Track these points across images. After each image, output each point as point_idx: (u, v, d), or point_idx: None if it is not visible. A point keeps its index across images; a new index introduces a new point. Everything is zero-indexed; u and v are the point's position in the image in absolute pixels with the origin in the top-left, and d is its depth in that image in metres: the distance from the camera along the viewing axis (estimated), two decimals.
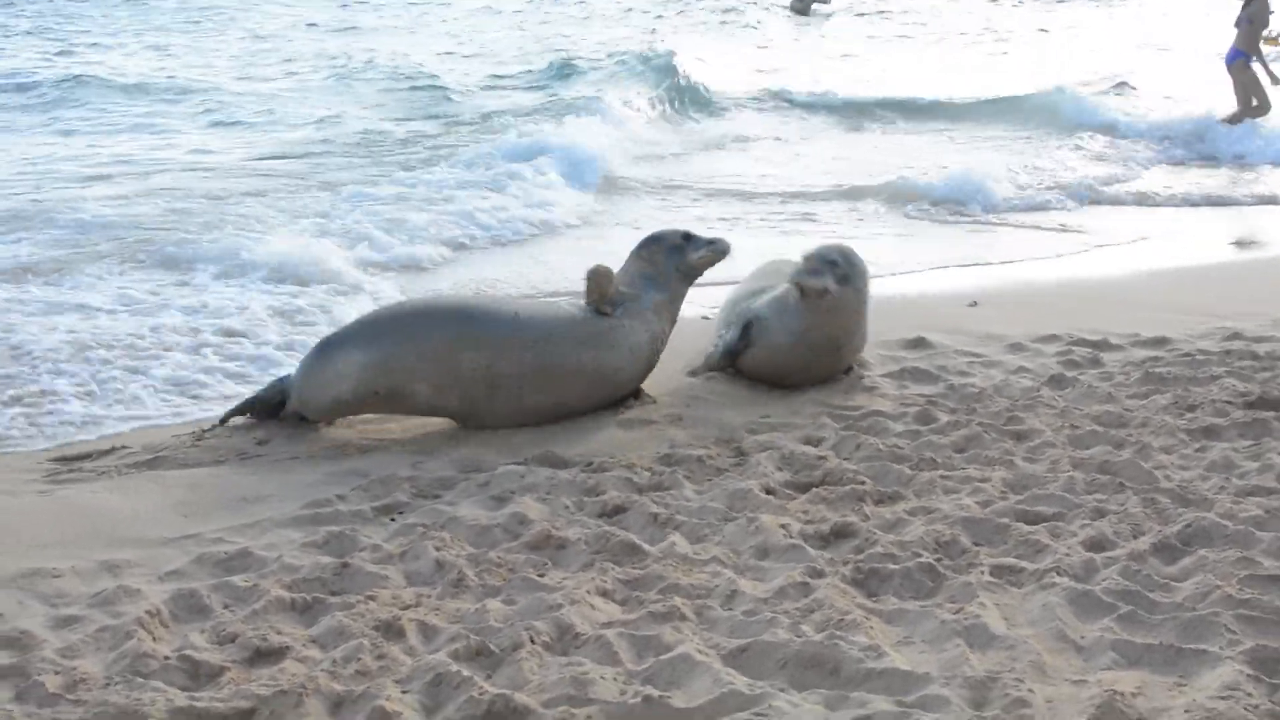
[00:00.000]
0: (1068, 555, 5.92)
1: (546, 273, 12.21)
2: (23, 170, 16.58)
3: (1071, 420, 8.01)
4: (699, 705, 4.62)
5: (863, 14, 41.75)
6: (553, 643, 5.17)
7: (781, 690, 4.73)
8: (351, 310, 10.30)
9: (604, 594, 5.64)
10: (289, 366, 8.61)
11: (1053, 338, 9.85)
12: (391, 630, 5.30)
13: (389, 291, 11.39)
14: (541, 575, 5.85)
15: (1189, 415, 8.06)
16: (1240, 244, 14.57)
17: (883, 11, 42.30)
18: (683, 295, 8.80)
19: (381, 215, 14.05)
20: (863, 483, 6.97)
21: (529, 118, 21.01)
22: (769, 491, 6.91)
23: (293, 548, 6.24)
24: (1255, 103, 21.60)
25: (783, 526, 6.33)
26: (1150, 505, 6.57)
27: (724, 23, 39.07)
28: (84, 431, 8.21)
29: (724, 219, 14.98)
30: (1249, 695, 4.62)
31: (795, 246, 11.13)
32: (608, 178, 16.78)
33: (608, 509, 6.67)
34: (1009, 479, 7.03)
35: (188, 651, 5.11)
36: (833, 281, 8.37)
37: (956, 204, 15.66)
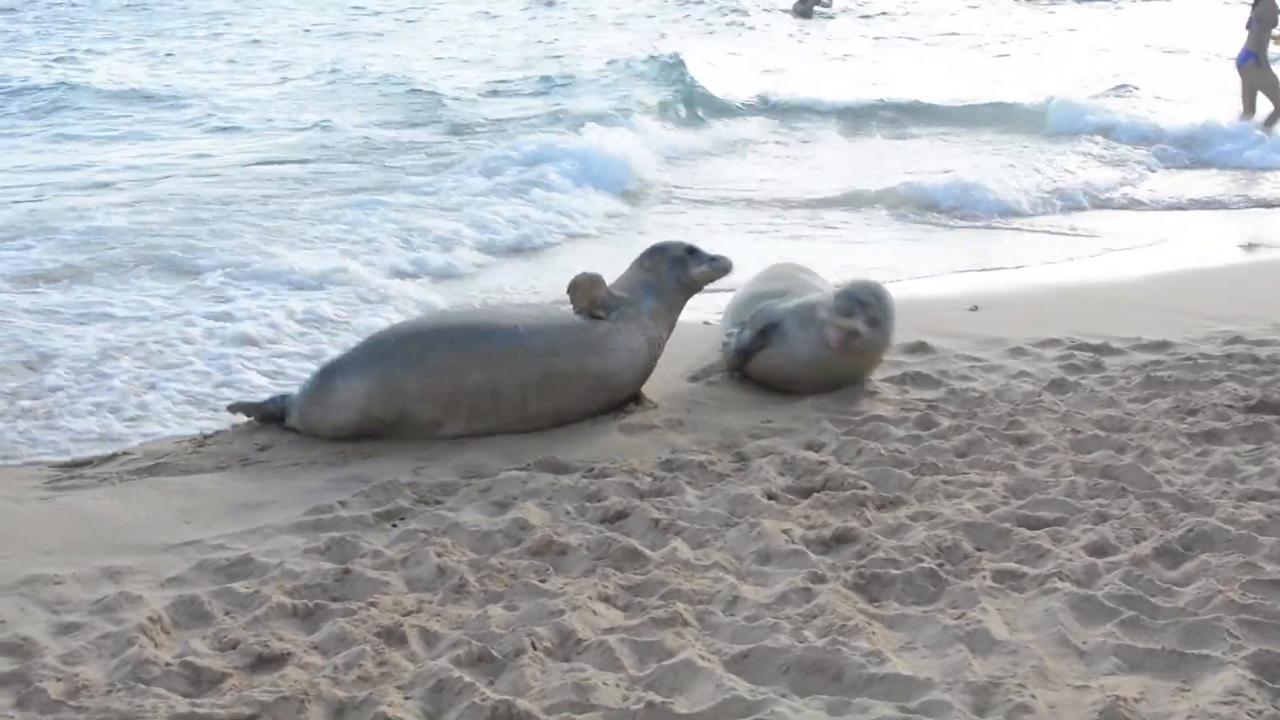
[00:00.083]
0: (1069, 560, 5.92)
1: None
2: (24, 178, 16.52)
3: (1073, 425, 8.01)
4: (701, 711, 4.62)
5: (865, 16, 41.72)
6: (554, 649, 5.17)
7: (783, 696, 4.73)
8: (377, 320, 10.25)
9: (606, 600, 5.64)
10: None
11: (1054, 342, 9.84)
12: (393, 636, 5.30)
13: (419, 299, 11.27)
14: (543, 581, 5.85)
15: (1190, 419, 8.06)
16: (1248, 247, 14.56)
17: (884, 13, 42.28)
18: (681, 307, 8.85)
19: (401, 222, 13.96)
20: (864, 488, 6.97)
21: (536, 124, 20.97)
22: (770, 497, 6.91)
23: (294, 554, 6.24)
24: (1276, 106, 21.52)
25: (784, 532, 6.32)
26: (1152, 510, 6.57)
27: (730, 24, 39.05)
28: (100, 446, 8.06)
29: (728, 224, 14.98)
30: (1252, 700, 4.63)
31: (798, 251, 11.15)
32: (627, 184, 16.65)
33: (609, 514, 6.67)
34: (1010, 484, 7.02)
35: (189, 658, 5.11)
36: (864, 324, 8.38)
37: (960, 209, 15.65)
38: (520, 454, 7.68)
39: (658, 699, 4.69)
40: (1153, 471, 7.12)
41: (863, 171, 18.20)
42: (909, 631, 5.34)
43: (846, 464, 7.40)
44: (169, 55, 30.18)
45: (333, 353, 8.59)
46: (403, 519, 6.72)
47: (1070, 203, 16.33)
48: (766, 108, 23.70)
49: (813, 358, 8.61)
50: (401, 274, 12.28)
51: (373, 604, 5.59)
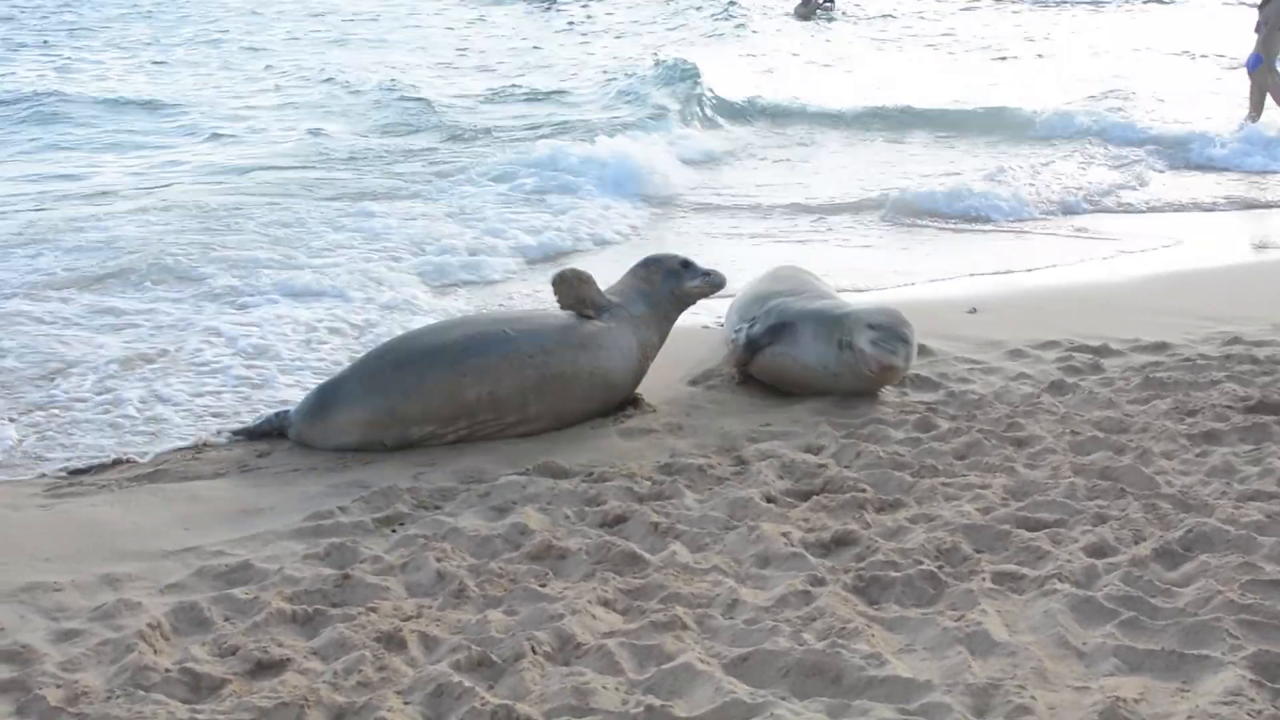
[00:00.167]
0: (1069, 561, 5.92)
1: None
2: (25, 187, 16.44)
3: (1072, 426, 8.01)
4: (701, 714, 4.62)
5: (867, 18, 41.66)
6: (554, 653, 5.17)
7: (783, 699, 4.72)
8: (398, 330, 10.12)
9: (605, 604, 5.64)
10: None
11: (1052, 344, 9.84)
12: (393, 641, 5.30)
13: (448, 308, 11.18)
14: (543, 585, 5.85)
15: (1189, 420, 8.06)
16: (1247, 249, 14.55)
17: (886, 15, 42.21)
18: (673, 319, 8.92)
19: (417, 229, 13.88)
20: (863, 490, 6.97)
21: (546, 131, 20.91)
22: (770, 500, 6.91)
23: (294, 560, 6.24)
24: None
25: (784, 535, 6.33)
26: (1151, 511, 6.57)
27: (736, 27, 38.95)
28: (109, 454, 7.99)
29: (734, 229, 14.94)
30: (1252, 700, 4.63)
31: (801, 256, 11.13)
32: (644, 190, 16.52)
33: (609, 519, 6.67)
34: (1010, 485, 7.03)
35: (189, 664, 5.11)
36: (903, 360, 8.45)
37: (958, 213, 15.64)
38: (519, 458, 7.68)
39: (657, 702, 4.69)
40: (1152, 472, 7.12)
41: (863, 176, 18.17)
42: (909, 633, 5.34)
43: (846, 467, 7.40)
44: (163, 63, 30.12)
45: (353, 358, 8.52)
46: (402, 524, 6.72)
47: (1068, 206, 16.30)
48: (774, 113, 23.60)
49: (821, 365, 8.62)
50: (426, 282, 12.14)
51: (372, 609, 5.59)
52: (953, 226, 15.25)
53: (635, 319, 8.61)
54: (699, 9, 42.36)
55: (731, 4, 41.98)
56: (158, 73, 28.32)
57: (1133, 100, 24.38)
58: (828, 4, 42.69)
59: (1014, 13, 42.95)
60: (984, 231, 15.15)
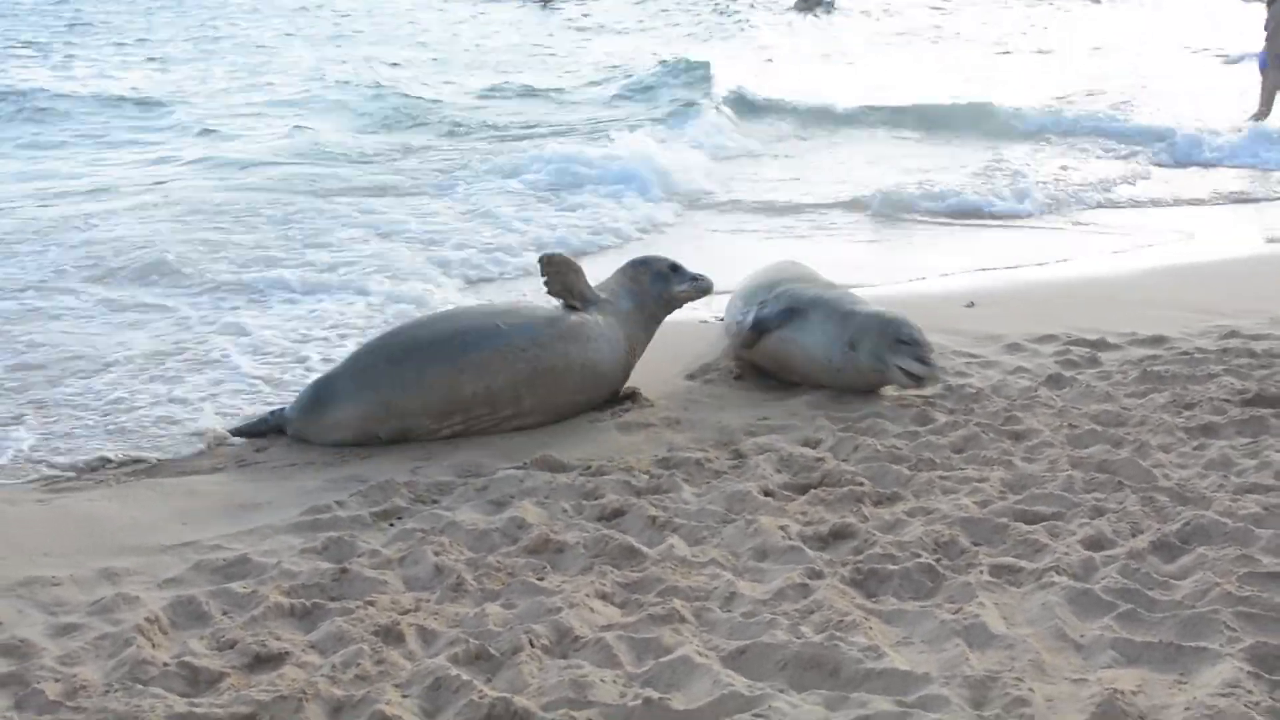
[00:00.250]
0: (1067, 554, 5.92)
1: None
2: (20, 185, 16.40)
3: (1070, 420, 8.01)
4: (699, 707, 4.62)
5: (865, 12, 41.63)
6: (552, 646, 5.17)
7: (781, 691, 4.72)
8: None
9: (603, 597, 5.64)
10: None
11: (1050, 337, 9.85)
12: (391, 635, 5.30)
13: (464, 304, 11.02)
14: (540, 579, 5.85)
15: (1187, 413, 8.07)
16: (1245, 243, 14.55)
17: (887, 10, 42.18)
18: (659, 321, 8.96)
19: (431, 226, 13.86)
20: (861, 484, 6.97)
21: (560, 129, 20.88)
22: (767, 493, 6.91)
23: (291, 554, 6.24)
24: None
25: (781, 528, 6.33)
26: (1149, 504, 6.57)
27: (738, 21, 38.89)
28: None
29: (737, 227, 14.94)
30: (1249, 692, 4.62)
31: (802, 252, 11.11)
32: (660, 189, 16.38)
33: (606, 512, 6.68)
34: (1007, 479, 7.03)
35: (187, 658, 5.10)
36: (927, 376, 8.46)
37: (956, 208, 15.64)
38: (517, 452, 7.68)
39: (655, 695, 4.69)
40: (1149, 465, 7.12)
41: (862, 173, 18.14)
42: (906, 626, 5.34)
43: (843, 460, 7.40)
44: (158, 59, 30.10)
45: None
46: (400, 518, 6.72)
47: (1067, 201, 16.32)
48: (783, 110, 23.51)
49: (826, 358, 8.64)
50: (447, 276, 12.11)
51: (370, 603, 5.58)
52: (950, 222, 15.27)
53: (623, 314, 8.66)
54: (695, 3, 42.34)
55: None
56: (152, 69, 28.29)
57: (1132, 96, 24.42)
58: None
59: (1011, 8, 42.98)
60: (981, 226, 15.16)
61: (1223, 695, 4.59)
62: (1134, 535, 6.19)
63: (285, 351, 9.69)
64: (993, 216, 15.52)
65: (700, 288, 9.03)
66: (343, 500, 6.96)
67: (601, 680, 4.82)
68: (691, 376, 9.13)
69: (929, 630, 5.26)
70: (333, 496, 7.04)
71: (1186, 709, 4.53)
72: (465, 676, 4.84)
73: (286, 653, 5.17)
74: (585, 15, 40.81)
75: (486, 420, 8.03)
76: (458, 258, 12.68)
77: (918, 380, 8.39)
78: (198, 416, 8.27)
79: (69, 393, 8.74)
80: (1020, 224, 15.33)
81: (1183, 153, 19.85)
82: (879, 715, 4.53)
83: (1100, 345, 9.65)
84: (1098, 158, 19.31)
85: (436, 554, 6.07)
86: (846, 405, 8.44)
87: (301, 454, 7.80)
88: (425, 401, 7.88)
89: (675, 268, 9.02)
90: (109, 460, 7.67)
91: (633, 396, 8.59)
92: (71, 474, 7.48)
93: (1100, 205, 16.38)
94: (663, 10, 41.60)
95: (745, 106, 23.38)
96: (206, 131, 20.67)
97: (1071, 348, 9.60)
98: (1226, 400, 8.25)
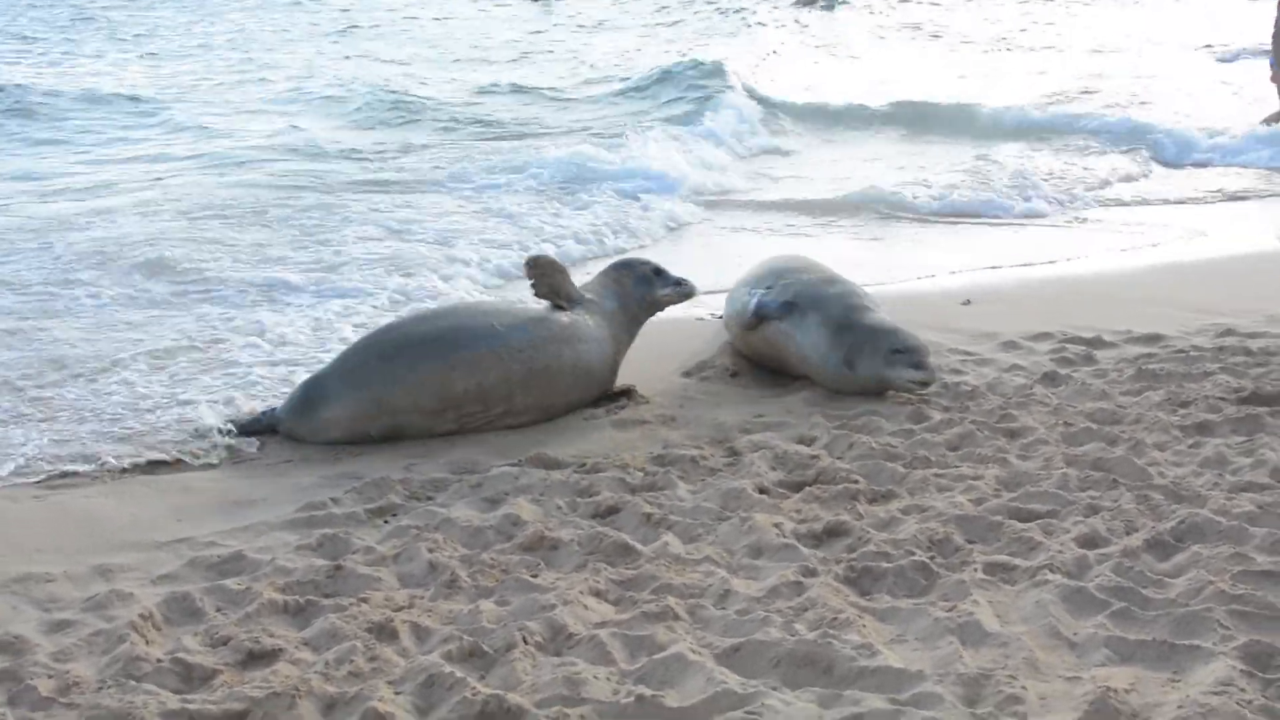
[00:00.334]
0: (1061, 552, 5.93)
1: None
2: (14, 184, 16.33)
3: (1065, 417, 8.01)
4: (692, 705, 4.62)
5: (869, 5, 41.54)
6: (546, 643, 5.17)
7: (774, 689, 4.72)
8: None
9: (597, 594, 5.64)
10: None
11: (1045, 335, 9.85)
12: (384, 632, 5.30)
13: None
14: (534, 576, 5.85)
15: (1182, 411, 8.07)
16: (1241, 241, 14.54)
17: (890, 4, 42.07)
18: (640, 324, 8.99)
19: (446, 225, 13.76)
20: (856, 481, 6.97)
21: (574, 128, 20.81)
22: (762, 491, 6.91)
23: (286, 550, 6.24)
24: None
25: (776, 526, 6.33)
26: (1143, 502, 6.57)
27: (742, 16, 38.77)
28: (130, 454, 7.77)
29: (739, 226, 14.91)
30: (1242, 691, 4.63)
31: (802, 250, 11.08)
32: (676, 190, 16.18)
33: (601, 509, 6.68)
34: (1002, 476, 7.03)
35: (180, 654, 5.11)
36: (934, 374, 8.51)
37: (952, 207, 15.65)
38: (512, 450, 7.69)
39: (648, 692, 4.69)
40: (1144, 464, 7.13)
41: (863, 172, 18.09)
42: (900, 624, 5.34)
43: (838, 458, 7.41)
44: (154, 54, 30.03)
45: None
46: (394, 515, 6.72)
47: (1063, 199, 16.31)
48: (794, 110, 23.35)
49: (821, 361, 8.69)
50: (465, 277, 11.98)
51: (364, 600, 5.59)
52: (945, 220, 15.25)
53: (609, 314, 8.71)
54: (692, 1, 42.21)
55: None
56: (148, 65, 28.21)
57: (1129, 94, 24.38)
58: None
59: (1005, 5, 42.86)
60: (977, 225, 15.15)
61: (1216, 694, 4.59)
62: (1128, 533, 6.20)
63: (299, 351, 9.59)
64: (989, 215, 15.50)
65: (682, 292, 9.09)
66: (337, 497, 6.96)
67: (595, 677, 4.82)
68: (687, 374, 9.13)
69: (923, 628, 5.26)
70: (327, 493, 7.04)
71: (1180, 707, 4.53)
72: (459, 674, 4.84)
73: (280, 649, 5.17)
74: (580, 13, 40.65)
75: (479, 419, 8.03)
76: (475, 256, 12.55)
77: (921, 384, 8.42)
78: (204, 415, 8.18)
79: (74, 391, 8.69)
80: (1017, 222, 15.32)
81: (1178, 152, 19.82)
82: (872, 713, 4.53)
83: (1096, 343, 9.65)
84: (1094, 156, 19.25)
85: (431, 551, 6.08)
86: (842, 403, 8.44)
87: (296, 451, 7.80)
88: (417, 399, 7.88)
89: (658, 271, 9.09)
90: (110, 464, 7.57)
91: (628, 394, 8.59)
92: (70, 472, 7.44)
93: (1096, 203, 16.36)
94: (663, 8, 41.41)
95: (758, 104, 23.20)
96: (202, 128, 20.58)
97: (1067, 346, 9.59)
98: (1222, 398, 8.26)
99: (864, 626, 5.22)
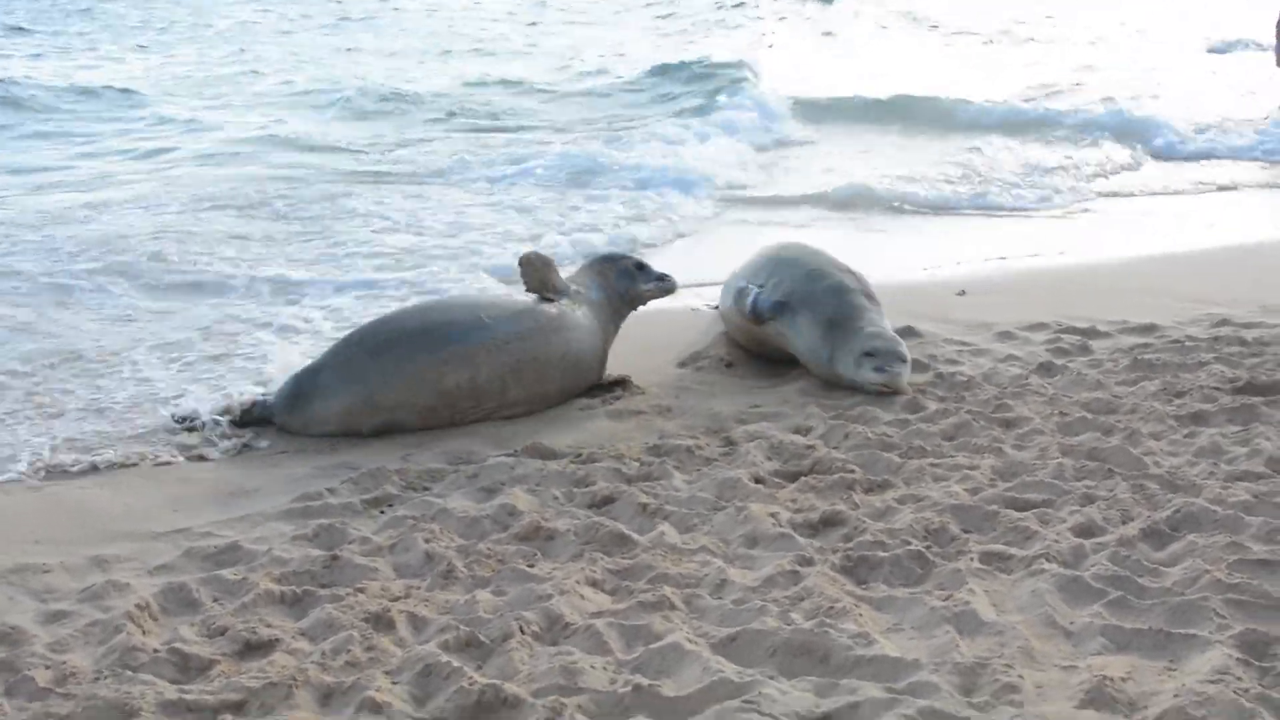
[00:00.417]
0: (1057, 542, 5.93)
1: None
2: (15, 178, 16.28)
3: (1060, 407, 8.02)
4: (689, 694, 4.62)
5: None
6: (542, 633, 5.17)
7: (771, 678, 4.72)
8: None
9: (593, 584, 5.65)
10: None
11: (1041, 325, 9.86)
12: (381, 622, 5.30)
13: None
14: (531, 566, 5.85)
15: (1178, 401, 8.07)
16: (1235, 231, 14.55)
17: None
18: (623, 318, 9.04)
19: (460, 221, 13.69)
20: (852, 471, 6.98)
21: (588, 125, 20.75)
22: (758, 481, 6.91)
23: (282, 541, 6.24)
24: None
25: (772, 515, 6.33)
26: (1139, 491, 6.58)
27: (745, 15, 38.66)
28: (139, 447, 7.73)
29: (740, 220, 14.88)
30: (1239, 679, 4.63)
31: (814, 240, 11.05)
32: (699, 187, 16.10)
33: (597, 499, 6.68)
34: (998, 466, 7.04)
35: (177, 645, 5.10)
36: (905, 378, 8.45)
37: (947, 200, 15.65)
38: (508, 440, 7.69)
39: (645, 682, 4.69)
40: (1140, 453, 7.13)
41: (862, 167, 18.05)
42: (896, 613, 5.35)
43: (834, 448, 7.41)
44: (146, 47, 29.95)
45: None
46: (391, 505, 6.72)
47: (1058, 191, 16.32)
48: (808, 105, 23.20)
49: (813, 356, 8.74)
50: (484, 269, 11.83)
51: (361, 590, 5.58)
52: (942, 213, 15.25)
53: (595, 304, 8.75)
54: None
55: None
56: (141, 58, 28.11)
57: (1125, 86, 24.38)
58: None
59: None
60: (974, 217, 15.15)
61: (1212, 682, 4.60)
62: (1124, 522, 6.20)
63: (311, 344, 9.51)
64: (984, 207, 15.51)
65: (664, 287, 9.15)
66: (334, 487, 6.96)
67: (591, 667, 4.82)
68: (682, 364, 9.14)
69: (919, 617, 5.27)
70: (324, 484, 7.04)
71: (1176, 696, 4.53)
72: (455, 663, 4.84)
73: (277, 640, 5.17)
74: (574, 5, 40.53)
75: (471, 414, 8.03)
76: (488, 249, 12.46)
77: (884, 387, 8.40)
78: (199, 409, 8.13)
79: (77, 384, 8.68)
80: (1012, 214, 15.32)
81: (1171, 143, 19.84)
82: (869, 702, 4.52)
83: (1091, 333, 9.66)
84: (1088, 148, 19.28)
85: (427, 541, 6.08)
86: (837, 393, 8.45)
87: (292, 441, 7.80)
88: (405, 395, 7.87)
89: (641, 266, 9.17)
90: (107, 457, 7.56)
91: (623, 384, 8.61)
92: (67, 463, 7.42)
93: (1092, 195, 16.38)
94: (668, 5, 41.20)
95: (763, 98, 23.07)
96: (194, 121, 20.53)
97: (1062, 336, 9.60)
98: (1217, 388, 8.26)
99: (860, 616, 5.22)
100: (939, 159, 18.22)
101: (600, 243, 12.78)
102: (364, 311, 10.08)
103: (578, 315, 8.50)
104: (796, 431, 7.78)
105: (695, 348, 9.40)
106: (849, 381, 8.47)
